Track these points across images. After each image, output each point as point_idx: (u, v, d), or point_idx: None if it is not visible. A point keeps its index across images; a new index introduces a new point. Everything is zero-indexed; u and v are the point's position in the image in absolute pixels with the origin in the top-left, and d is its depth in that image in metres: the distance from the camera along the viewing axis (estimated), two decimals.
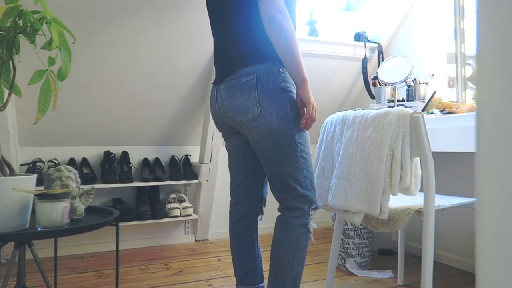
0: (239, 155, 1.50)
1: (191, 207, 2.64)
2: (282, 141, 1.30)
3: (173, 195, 2.67)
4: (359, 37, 2.76)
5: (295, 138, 1.30)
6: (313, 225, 1.34)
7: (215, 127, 2.53)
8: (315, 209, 1.34)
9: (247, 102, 1.30)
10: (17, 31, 1.08)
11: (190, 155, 2.76)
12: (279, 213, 1.37)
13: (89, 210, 1.37)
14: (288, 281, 1.31)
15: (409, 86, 2.34)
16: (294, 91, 1.32)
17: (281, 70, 1.31)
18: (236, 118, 1.34)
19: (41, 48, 1.07)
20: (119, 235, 1.32)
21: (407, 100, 2.33)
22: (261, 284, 1.53)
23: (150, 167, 2.67)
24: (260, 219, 1.55)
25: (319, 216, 3.21)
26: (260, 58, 1.31)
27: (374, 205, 1.31)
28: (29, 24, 1.06)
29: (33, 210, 1.15)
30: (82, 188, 1.35)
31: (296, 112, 1.31)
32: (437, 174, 1.34)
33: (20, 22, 1.07)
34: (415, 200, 1.51)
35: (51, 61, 1.12)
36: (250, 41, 1.32)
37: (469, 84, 2.16)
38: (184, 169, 2.69)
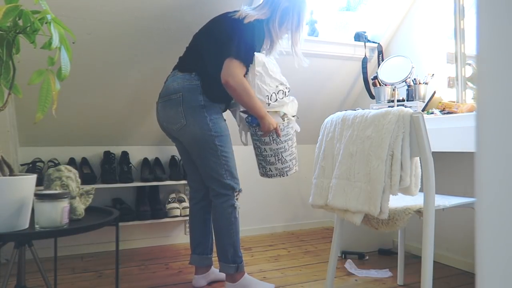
0: (184, 155, 1.94)
1: None
2: (203, 146, 1.75)
3: (173, 195, 2.67)
4: (359, 37, 2.76)
5: (215, 143, 1.75)
6: (238, 204, 1.83)
7: None
8: (238, 193, 1.84)
9: (176, 115, 1.75)
10: (17, 31, 1.07)
11: None
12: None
13: (89, 210, 1.37)
14: (229, 247, 1.81)
15: (409, 86, 2.34)
16: (211, 107, 1.76)
17: (203, 93, 1.75)
18: (169, 127, 1.81)
19: (41, 48, 1.07)
20: (119, 235, 1.32)
21: (407, 100, 2.33)
22: (209, 255, 1.99)
23: (150, 167, 2.67)
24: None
25: (319, 216, 3.22)
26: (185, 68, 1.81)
27: (374, 205, 1.31)
28: (29, 24, 1.06)
29: (33, 210, 1.15)
30: (82, 188, 1.35)
31: (213, 122, 1.75)
32: (437, 174, 1.34)
33: (20, 22, 1.07)
34: (415, 200, 1.50)
35: (51, 61, 1.12)
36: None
37: (469, 84, 2.16)
38: (184, 169, 2.69)
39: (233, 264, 1.82)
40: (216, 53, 1.75)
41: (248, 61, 1.73)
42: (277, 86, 1.80)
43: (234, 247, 1.82)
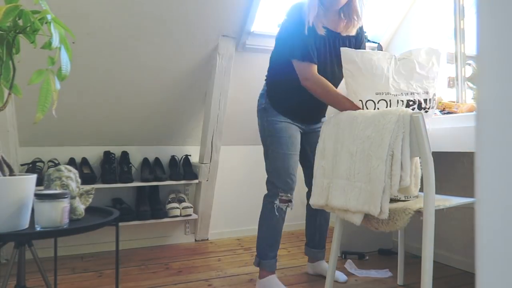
0: None
1: (191, 207, 2.64)
2: (262, 145, 1.91)
3: (173, 195, 2.67)
4: None
5: (267, 143, 1.87)
6: (281, 206, 1.85)
7: (215, 127, 2.54)
8: (283, 193, 1.84)
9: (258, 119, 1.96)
10: (17, 31, 1.07)
11: (190, 155, 2.76)
12: None
13: (89, 210, 1.37)
14: (259, 241, 1.90)
15: None
16: (271, 110, 1.85)
17: (267, 97, 1.87)
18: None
19: (41, 48, 1.07)
20: (119, 235, 1.33)
21: None
22: (313, 249, 2.10)
23: (150, 167, 2.66)
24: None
25: None
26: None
27: (374, 205, 1.31)
28: (29, 24, 1.06)
29: (33, 210, 1.15)
30: (82, 188, 1.35)
31: (268, 123, 1.84)
32: (437, 174, 1.34)
33: (20, 22, 1.07)
34: (415, 200, 1.50)
35: (51, 61, 1.11)
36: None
37: (469, 84, 2.16)
38: (184, 169, 2.69)
39: (257, 257, 1.90)
40: (272, 58, 1.90)
41: (305, 55, 1.69)
42: (380, 94, 1.50)
43: (259, 242, 1.89)
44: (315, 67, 1.71)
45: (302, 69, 1.71)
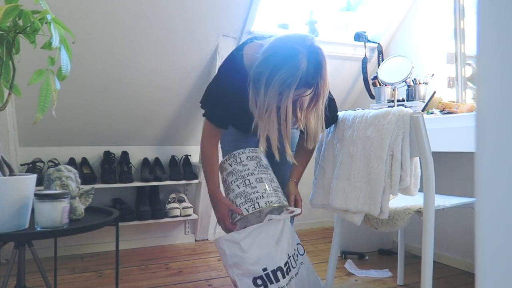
0: None
1: (191, 207, 2.64)
2: None
3: (173, 195, 2.67)
4: (359, 37, 2.76)
5: None
6: None
7: None
8: None
9: None
10: (17, 31, 1.07)
11: (190, 155, 2.76)
12: None
13: (89, 210, 1.37)
14: None
15: (409, 86, 2.34)
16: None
17: None
18: None
19: (41, 48, 1.07)
20: (119, 235, 1.33)
21: (407, 100, 2.33)
22: None
23: (150, 167, 2.66)
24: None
25: (319, 216, 3.21)
26: None
27: (374, 205, 1.31)
28: (29, 24, 1.06)
29: (33, 210, 1.15)
30: (82, 188, 1.35)
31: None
32: (437, 174, 1.34)
33: (20, 22, 1.07)
34: (415, 200, 1.50)
35: (51, 61, 1.12)
36: None
37: (469, 84, 2.16)
38: (184, 169, 2.69)
39: None
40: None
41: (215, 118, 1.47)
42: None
43: None
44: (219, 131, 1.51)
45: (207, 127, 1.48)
